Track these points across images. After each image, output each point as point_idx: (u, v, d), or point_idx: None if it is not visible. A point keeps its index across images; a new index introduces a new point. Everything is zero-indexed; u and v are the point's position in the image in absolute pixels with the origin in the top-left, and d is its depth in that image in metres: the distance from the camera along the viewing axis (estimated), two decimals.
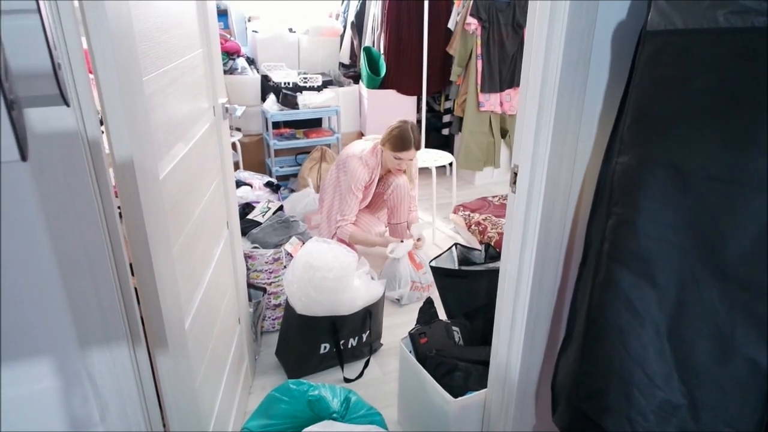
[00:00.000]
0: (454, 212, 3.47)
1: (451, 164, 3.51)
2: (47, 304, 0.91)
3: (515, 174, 1.29)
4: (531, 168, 1.23)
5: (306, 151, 4.00)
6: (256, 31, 4.19)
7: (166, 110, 1.21)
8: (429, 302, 1.88)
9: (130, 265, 1.03)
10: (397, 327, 2.50)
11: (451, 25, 4.02)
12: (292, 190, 3.93)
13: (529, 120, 1.20)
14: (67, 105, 0.51)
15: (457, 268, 1.95)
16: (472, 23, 3.79)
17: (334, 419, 1.43)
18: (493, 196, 3.58)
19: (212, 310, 1.59)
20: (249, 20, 4.45)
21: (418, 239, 2.82)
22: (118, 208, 0.99)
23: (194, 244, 1.40)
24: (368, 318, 2.19)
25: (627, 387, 0.94)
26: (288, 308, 2.13)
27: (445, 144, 4.51)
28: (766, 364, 0.76)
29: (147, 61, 1.09)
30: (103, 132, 0.93)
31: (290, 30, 4.28)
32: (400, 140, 2.78)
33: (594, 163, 1.22)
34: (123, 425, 1.06)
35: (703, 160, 0.82)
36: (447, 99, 4.40)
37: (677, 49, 0.85)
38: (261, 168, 4.07)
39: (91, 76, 0.91)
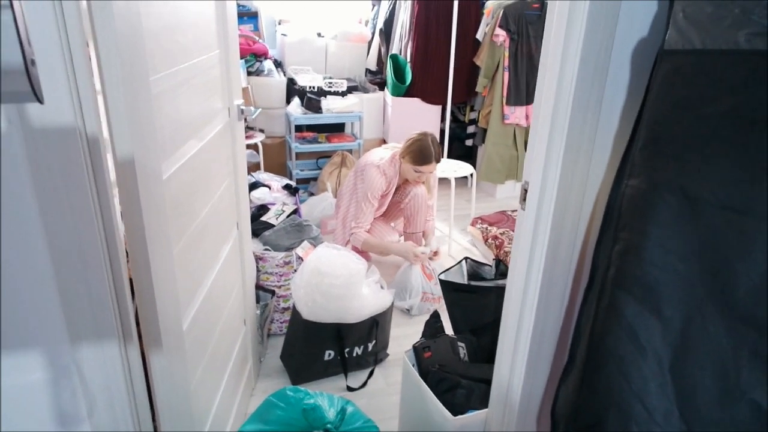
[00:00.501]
0: (472, 225, 3.43)
1: (471, 175, 3.47)
2: (39, 297, 0.91)
3: (525, 191, 1.26)
4: (541, 185, 1.19)
5: (327, 155, 4.00)
6: (285, 35, 4.22)
7: (175, 110, 1.21)
8: (435, 316, 1.85)
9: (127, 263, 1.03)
10: (406, 338, 2.47)
11: (479, 35, 3.99)
12: (312, 194, 3.94)
13: (540, 136, 1.17)
14: (40, 102, 0.50)
15: (466, 282, 1.91)
16: (501, 35, 3.75)
17: (328, 430, 1.41)
18: (513, 211, 3.52)
19: (215, 310, 1.59)
20: (279, 23, 4.49)
21: (435, 252, 2.78)
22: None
23: (198, 245, 1.40)
24: (375, 327, 2.16)
25: (625, 420, 0.90)
26: (294, 313, 2.12)
27: (468, 155, 4.47)
28: None
29: (156, 60, 1.09)
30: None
31: (319, 34, 4.31)
32: (420, 154, 2.76)
33: (607, 185, 1.18)
34: (110, 422, 1.05)
35: (716, 188, 0.77)
36: (472, 110, 4.37)
37: (695, 70, 0.81)
38: (282, 170, 4.09)
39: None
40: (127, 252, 1.03)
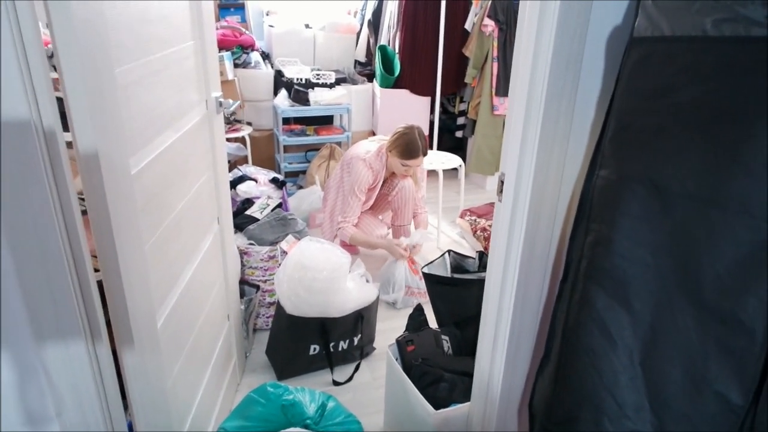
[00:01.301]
0: (461, 217, 3.41)
1: (460, 167, 3.45)
2: (0, 294, 0.89)
3: (502, 182, 1.24)
4: (516, 177, 1.17)
5: (316, 148, 3.97)
6: (272, 26, 4.18)
7: (145, 103, 1.19)
8: (419, 309, 1.84)
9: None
10: (392, 331, 2.45)
11: (468, 26, 3.96)
12: (301, 187, 3.91)
13: (515, 126, 1.15)
14: None
15: (449, 275, 1.90)
16: (490, 25, 3.72)
17: (307, 426, 1.40)
18: None
19: (194, 306, 1.57)
20: (267, 14, 4.44)
21: (415, 246, 2.75)
22: (82, 200, 0.96)
23: (174, 240, 1.38)
24: (360, 321, 2.15)
25: (597, 414, 0.89)
26: (279, 307, 2.11)
27: (458, 146, 4.45)
28: (737, 401, 0.70)
29: (122, 51, 1.07)
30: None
31: (306, 26, 4.26)
32: (407, 148, 2.74)
33: (584, 175, 1.16)
34: (80, 421, 1.04)
35: (684, 178, 0.76)
36: (462, 101, 4.34)
37: (663, 58, 0.79)
38: (270, 163, 4.06)
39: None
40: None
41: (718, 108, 0.71)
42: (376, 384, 2.18)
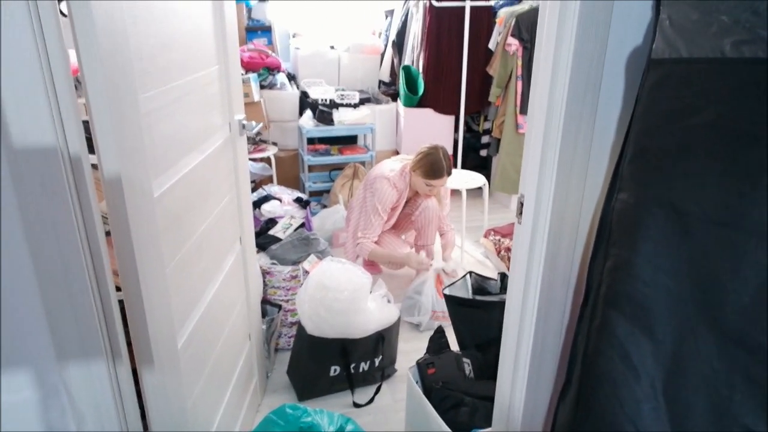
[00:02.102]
0: (485, 236, 3.38)
1: (484, 185, 3.43)
2: (25, 314, 0.92)
3: (521, 204, 1.23)
4: (536, 199, 1.16)
5: (340, 167, 4.01)
6: (298, 48, 4.26)
7: (168, 127, 1.22)
8: (440, 331, 1.82)
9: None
10: (415, 352, 2.43)
11: (491, 45, 3.97)
12: (325, 206, 3.94)
13: (534, 148, 1.14)
14: None
15: (470, 297, 1.88)
16: (513, 44, 3.72)
17: None
18: None
19: (215, 326, 1.58)
20: (293, 36, 4.54)
21: (447, 273, 2.73)
22: (106, 223, 0.99)
23: (196, 261, 1.40)
24: (381, 343, 2.13)
25: None
26: (300, 328, 2.11)
27: (483, 165, 4.43)
28: None
29: (147, 78, 1.10)
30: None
31: (331, 47, 4.33)
32: (431, 168, 2.75)
33: (605, 198, 1.14)
34: None
35: (705, 202, 0.74)
36: (486, 120, 4.33)
37: (681, 80, 0.78)
38: (295, 183, 4.11)
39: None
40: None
41: (736, 130, 0.70)
42: (397, 407, 2.15)
